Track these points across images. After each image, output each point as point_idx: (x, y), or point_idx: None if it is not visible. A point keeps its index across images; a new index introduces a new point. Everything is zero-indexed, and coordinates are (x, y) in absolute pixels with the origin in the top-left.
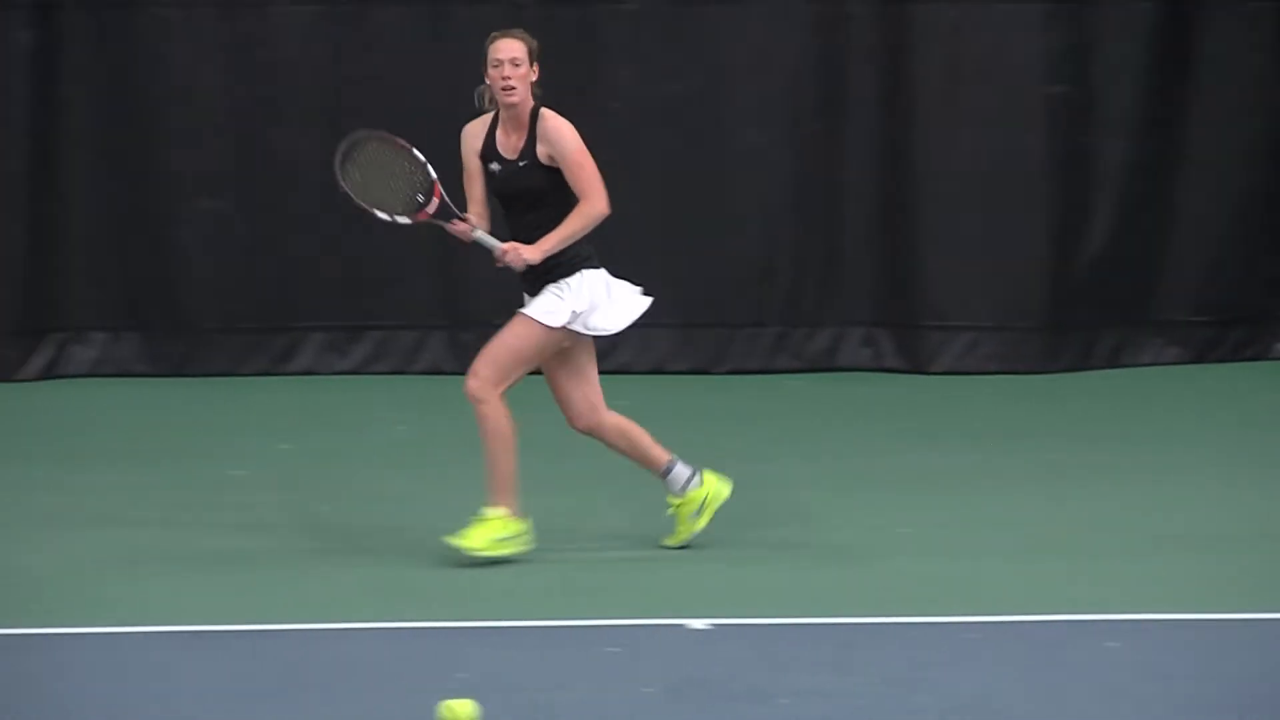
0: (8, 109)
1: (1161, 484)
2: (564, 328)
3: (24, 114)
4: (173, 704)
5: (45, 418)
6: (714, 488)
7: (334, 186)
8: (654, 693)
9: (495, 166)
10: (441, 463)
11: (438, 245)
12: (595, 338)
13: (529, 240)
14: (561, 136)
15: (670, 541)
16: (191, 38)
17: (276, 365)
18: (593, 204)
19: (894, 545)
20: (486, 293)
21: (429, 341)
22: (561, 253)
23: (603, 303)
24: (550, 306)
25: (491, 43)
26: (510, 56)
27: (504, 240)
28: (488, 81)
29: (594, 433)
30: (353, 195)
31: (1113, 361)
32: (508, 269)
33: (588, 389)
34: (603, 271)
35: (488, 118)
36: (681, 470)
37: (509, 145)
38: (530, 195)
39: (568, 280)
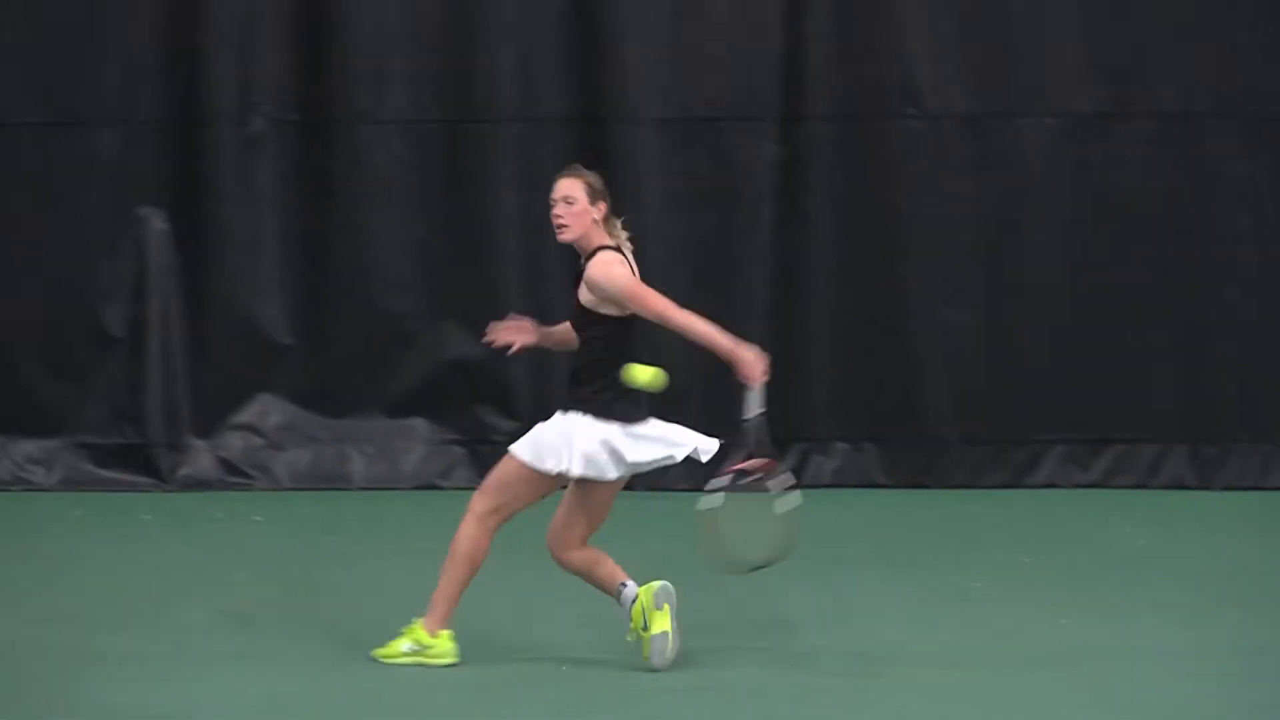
0: (756, 221)
1: None
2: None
3: (768, 227)
4: None
5: None
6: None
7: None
8: None
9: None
10: (1166, 576)
11: (1177, 356)
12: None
13: (572, 369)
14: (610, 280)
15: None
16: (937, 150)
17: (1017, 478)
18: (664, 313)
19: None
20: (1228, 407)
21: (1171, 455)
22: (582, 380)
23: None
24: (532, 438)
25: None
26: (563, 195)
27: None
28: None
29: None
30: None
31: None
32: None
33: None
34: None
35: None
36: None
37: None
38: (576, 328)
39: (569, 415)
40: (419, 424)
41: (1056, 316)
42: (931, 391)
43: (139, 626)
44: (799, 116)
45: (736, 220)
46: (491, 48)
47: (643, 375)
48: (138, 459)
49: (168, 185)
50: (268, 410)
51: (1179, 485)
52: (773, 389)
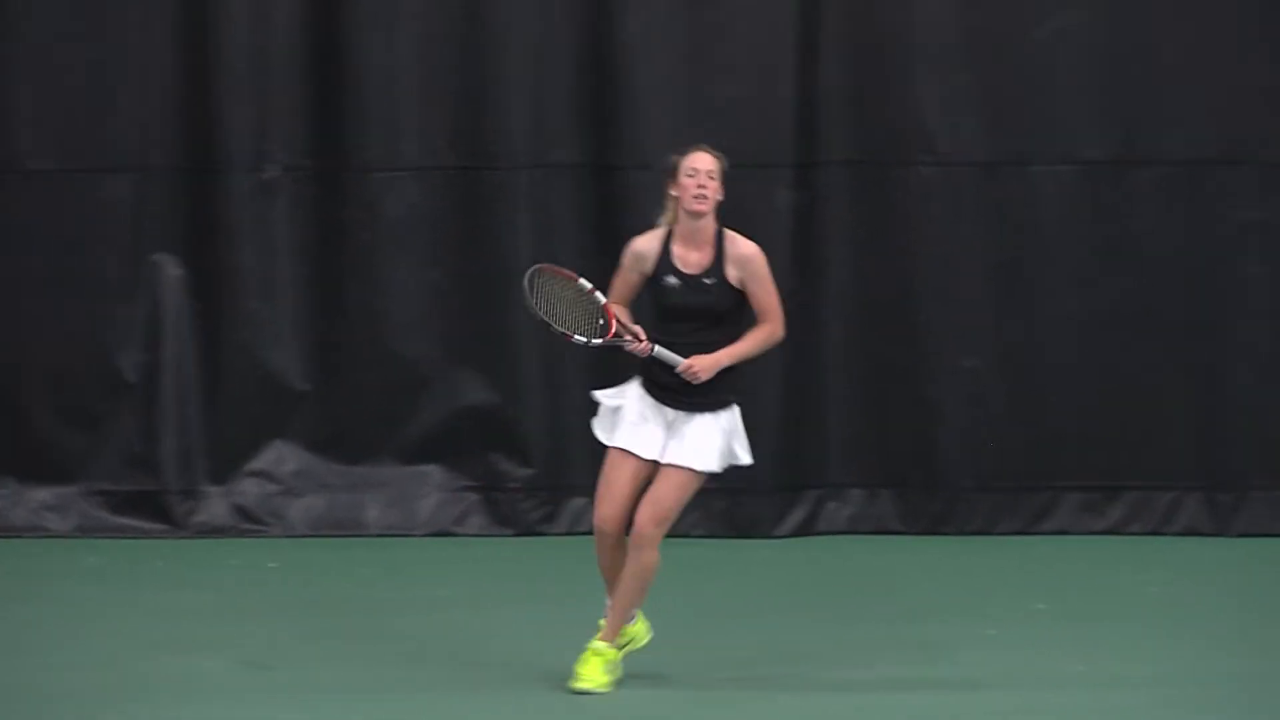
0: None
1: None
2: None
3: (783, 273)
4: None
5: (798, 572)
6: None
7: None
8: None
9: (673, 281)
10: (1181, 623)
11: (1192, 402)
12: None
13: (684, 355)
14: (756, 260)
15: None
16: (950, 195)
17: (1031, 525)
18: (776, 328)
19: None
20: (1243, 453)
21: (1186, 502)
22: (722, 376)
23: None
24: (706, 450)
25: (686, 154)
26: (708, 169)
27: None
28: (674, 192)
29: (637, 542)
30: (549, 322)
31: None
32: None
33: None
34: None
35: (660, 232)
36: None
37: (690, 261)
38: (711, 314)
39: (720, 415)
40: (433, 470)
41: (1069, 362)
42: (947, 437)
43: (155, 673)
44: (814, 163)
45: None
46: (504, 95)
47: None
48: (152, 505)
49: (182, 232)
50: (283, 457)
51: (1194, 532)
52: (788, 434)
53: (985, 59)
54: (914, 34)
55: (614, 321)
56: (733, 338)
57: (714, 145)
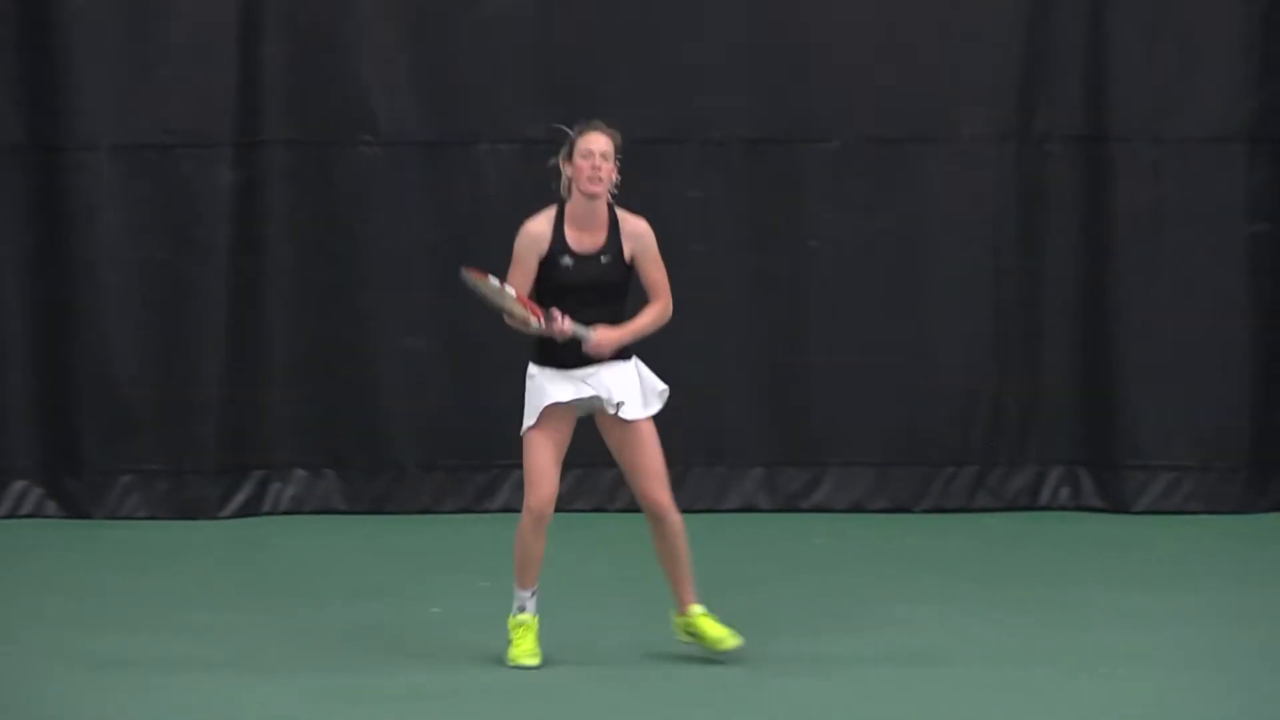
0: (210, 247)
1: None
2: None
3: (224, 252)
4: None
5: (244, 554)
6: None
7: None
8: None
9: (567, 260)
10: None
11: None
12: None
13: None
14: (648, 236)
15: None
16: (393, 176)
17: (475, 503)
18: (667, 305)
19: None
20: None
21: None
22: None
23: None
24: (647, 394)
25: (583, 134)
26: (602, 150)
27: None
28: (567, 173)
29: (660, 513)
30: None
31: None
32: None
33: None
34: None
35: (550, 213)
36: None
37: (583, 240)
38: (605, 290)
39: (626, 365)
40: None
41: (515, 343)
42: (390, 418)
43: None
44: (255, 142)
45: (192, 245)
46: None
47: None
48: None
49: None
50: None
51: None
52: (231, 414)
53: (428, 38)
54: (356, 12)
55: (534, 306)
56: (618, 316)
57: (608, 123)
